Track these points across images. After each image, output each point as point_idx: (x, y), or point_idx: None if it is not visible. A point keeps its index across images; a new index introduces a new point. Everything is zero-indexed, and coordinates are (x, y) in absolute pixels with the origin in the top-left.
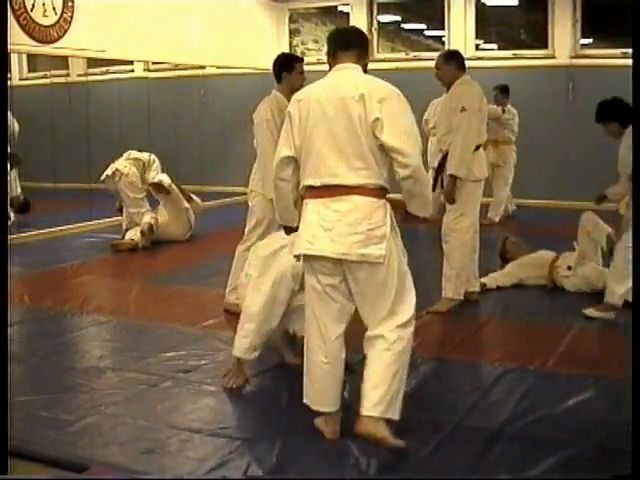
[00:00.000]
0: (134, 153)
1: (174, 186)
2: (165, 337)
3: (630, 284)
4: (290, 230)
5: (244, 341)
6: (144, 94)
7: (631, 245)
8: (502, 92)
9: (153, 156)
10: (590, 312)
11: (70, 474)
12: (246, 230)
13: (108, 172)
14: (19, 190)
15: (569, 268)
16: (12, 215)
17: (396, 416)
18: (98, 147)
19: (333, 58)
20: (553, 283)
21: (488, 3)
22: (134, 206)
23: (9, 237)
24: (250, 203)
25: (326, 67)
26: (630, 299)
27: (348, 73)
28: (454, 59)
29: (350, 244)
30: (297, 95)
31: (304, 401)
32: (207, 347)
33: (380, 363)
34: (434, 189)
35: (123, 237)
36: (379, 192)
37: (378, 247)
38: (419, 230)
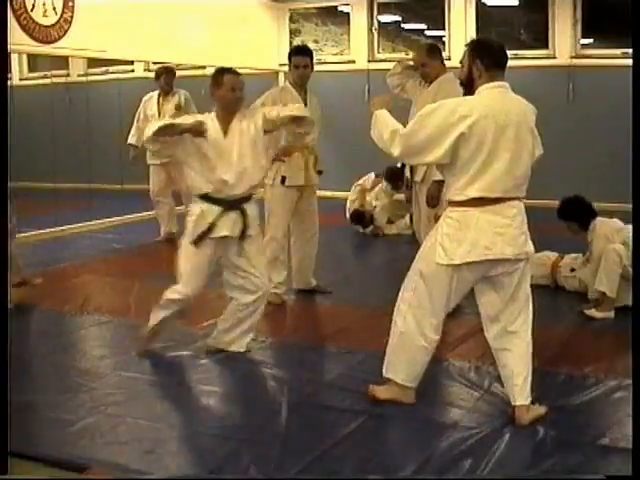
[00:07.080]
0: None
1: None
2: (165, 337)
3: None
4: None
5: None
6: (144, 94)
7: None
8: None
9: None
10: (591, 312)
11: (70, 474)
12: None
13: None
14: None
15: (572, 270)
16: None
17: None
18: (98, 147)
19: (487, 72)
20: (555, 283)
21: (488, 3)
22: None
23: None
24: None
25: (325, 67)
26: (629, 303)
27: (506, 93)
28: (438, 53)
29: (521, 244)
30: (468, 110)
31: (386, 375)
32: (207, 347)
33: (525, 356)
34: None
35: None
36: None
37: (530, 243)
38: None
